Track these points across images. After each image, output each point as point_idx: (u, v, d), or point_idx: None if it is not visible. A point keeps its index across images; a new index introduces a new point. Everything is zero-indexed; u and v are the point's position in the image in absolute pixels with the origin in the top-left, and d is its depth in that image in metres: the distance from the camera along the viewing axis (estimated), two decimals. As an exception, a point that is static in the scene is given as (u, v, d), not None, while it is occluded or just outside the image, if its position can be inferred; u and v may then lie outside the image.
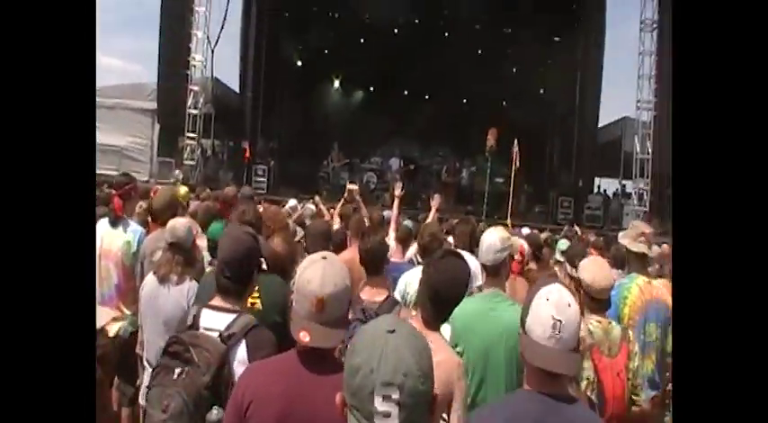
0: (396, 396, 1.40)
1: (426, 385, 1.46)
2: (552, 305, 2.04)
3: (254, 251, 3.01)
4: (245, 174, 18.26)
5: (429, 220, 5.16)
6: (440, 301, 2.88)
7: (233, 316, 2.77)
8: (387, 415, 1.40)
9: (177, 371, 2.60)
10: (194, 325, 2.79)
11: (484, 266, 3.73)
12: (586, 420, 2.20)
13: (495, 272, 3.65)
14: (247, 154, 18.70)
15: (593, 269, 3.59)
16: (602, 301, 3.55)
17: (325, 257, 2.34)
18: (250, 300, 3.25)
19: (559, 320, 2.01)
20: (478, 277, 4.11)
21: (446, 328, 3.93)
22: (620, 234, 4.61)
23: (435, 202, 5.02)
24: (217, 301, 2.86)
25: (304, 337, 2.13)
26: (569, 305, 2.05)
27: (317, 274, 2.24)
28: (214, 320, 2.77)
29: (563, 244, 7.12)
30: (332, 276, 2.24)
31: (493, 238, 3.71)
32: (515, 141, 14.04)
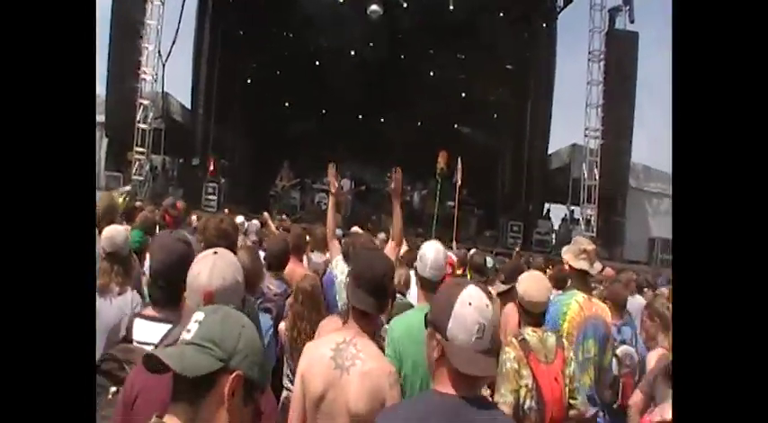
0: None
1: None
2: (475, 309, 2.02)
3: (187, 258, 2.90)
4: (195, 191, 18.00)
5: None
6: (375, 285, 2.81)
7: (168, 326, 2.58)
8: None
9: (112, 390, 2.48)
10: (128, 337, 2.65)
11: (423, 280, 3.68)
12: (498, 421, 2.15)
13: (434, 288, 3.53)
14: (211, 169, 18.48)
15: (529, 283, 3.63)
16: (537, 314, 3.59)
17: (216, 252, 2.32)
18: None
19: (483, 324, 2.01)
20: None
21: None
22: (564, 249, 4.63)
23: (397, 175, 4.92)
24: (150, 311, 2.74)
25: None
26: (488, 306, 2.05)
27: (207, 267, 2.23)
28: (148, 332, 2.62)
29: (489, 262, 7.18)
30: (221, 270, 2.23)
31: (436, 254, 3.69)
32: (458, 159, 14.25)
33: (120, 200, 7.27)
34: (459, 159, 14.11)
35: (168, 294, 2.72)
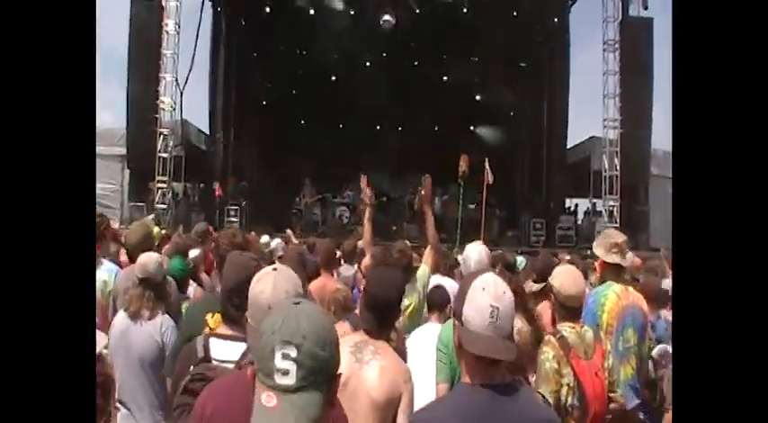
0: (294, 354, 1.48)
1: (327, 353, 1.53)
2: (489, 294, 2.07)
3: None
4: (218, 214, 18.18)
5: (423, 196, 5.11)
6: (377, 307, 2.95)
7: (244, 344, 2.62)
8: (285, 372, 1.48)
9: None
10: (206, 357, 2.70)
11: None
12: (531, 405, 2.21)
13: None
14: (218, 193, 18.63)
15: (564, 277, 3.63)
16: (574, 308, 3.58)
17: (275, 269, 2.36)
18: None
19: (497, 307, 2.05)
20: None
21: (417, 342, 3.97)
22: (594, 243, 4.61)
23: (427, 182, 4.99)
24: (224, 330, 2.80)
25: None
26: (504, 293, 2.10)
27: (269, 284, 2.27)
28: (226, 351, 2.68)
29: (520, 262, 7.19)
30: (283, 285, 2.27)
31: (479, 255, 3.73)
32: (486, 159, 14.18)
33: (156, 230, 7.38)
34: (486, 161, 14.05)
35: (242, 312, 2.79)
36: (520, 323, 3.03)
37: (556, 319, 3.64)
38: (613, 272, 4.39)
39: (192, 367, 2.65)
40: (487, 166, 14.07)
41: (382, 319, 2.97)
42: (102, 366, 2.08)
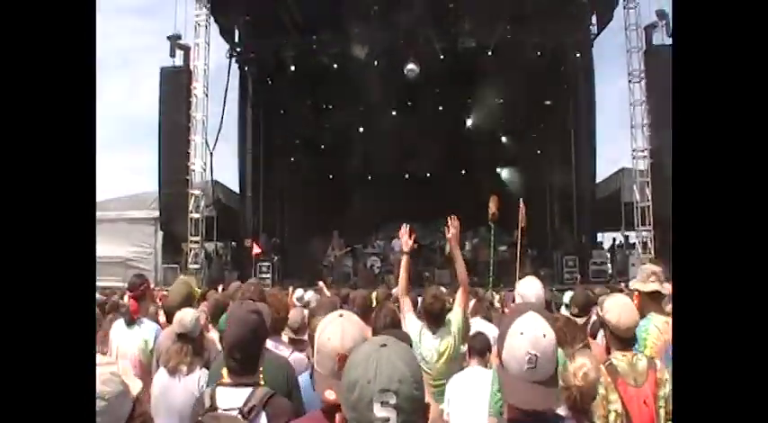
0: (393, 401, 1.49)
1: (420, 391, 1.54)
2: (527, 339, 2.00)
3: (260, 330, 3.02)
4: (251, 272, 18.32)
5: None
6: None
7: (249, 390, 2.79)
8: (386, 420, 1.49)
9: None
10: (213, 406, 2.78)
11: None
12: None
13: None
14: (256, 250, 18.81)
15: (617, 309, 3.61)
16: (628, 339, 3.58)
17: (341, 315, 2.38)
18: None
19: (535, 355, 1.98)
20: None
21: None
22: (632, 282, 4.57)
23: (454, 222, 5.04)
24: (229, 380, 2.88)
25: (330, 394, 2.11)
26: (544, 335, 2.02)
27: (337, 330, 2.26)
28: (231, 398, 2.77)
29: (567, 296, 7.13)
30: (351, 332, 2.27)
31: (538, 290, 3.73)
32: (520, 200, 14.11)
33: (197, 288, 7.52)
34: (521, 202, 14.00)
35: (243, 365, 2.88)
36: (587, 364, 2.97)
37: (610, 350, 3.63)
38: (653, 302, 4.31)
39: (199, 417, 2.74)
40: (522, 209, 13.96)
41: None
42: (141, 406, 2.13)
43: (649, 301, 4.33)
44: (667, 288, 4.38)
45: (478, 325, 6.01)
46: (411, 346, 3.08)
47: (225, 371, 2.96)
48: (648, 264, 4.96)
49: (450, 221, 4.94)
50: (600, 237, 21.73)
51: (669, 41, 17.50)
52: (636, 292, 4.41)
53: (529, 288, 3.78)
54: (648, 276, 4.35)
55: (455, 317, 4.95)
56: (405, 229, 5.33)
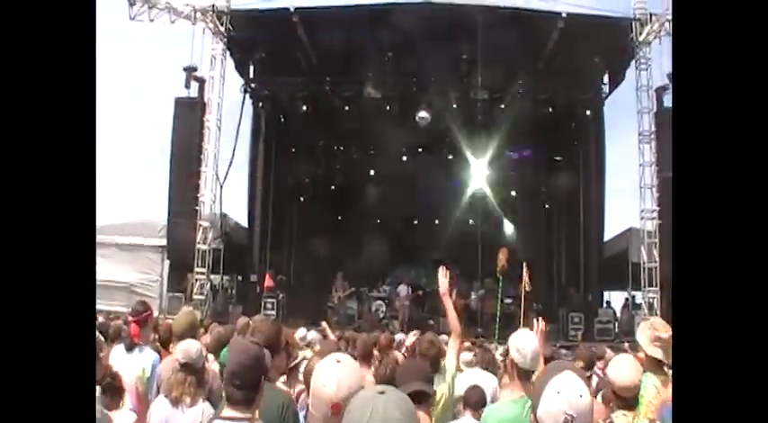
0: None
1: None
2: (564, 399, 1.97)
3: (260, 360, 3.02)
4: (254, 307, 18.25)
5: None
6: None
7: None
8: None
9: None
10: None
11: (522, 370, 3.69)
12: None
13: (529, 377, 3.59)
14: (268, 284, 18.78)
15: (620, 367, 3.65)
16: (629, 397, 3.60)
17: (339, 360, 2.35)
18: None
19: (571, 416, 1.94)
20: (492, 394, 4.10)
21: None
22: (638, 330, 4.49)
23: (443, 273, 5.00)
24: (228, 412, 2.87)
25: None
26: (581, 396, 1.99)
27: (333, 378, 2.24)
28: None
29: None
30: (347, 380, 2.23)
31: (534, 343, 3.73)
32: (524, 264, 14.08)
33: (200, 317, 7.55)
34: (525, 265, 13.97)
35: (244, 394, 2.87)
36: None
37: (612, 408, 3.66)
38: (654, 364, 4.26)
39: None
40: (525, 272, 13.92)
41: None
42: None
43: (651, 362, 4.30)
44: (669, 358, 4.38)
45: (479, 376, 5.98)
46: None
47: (224, 403, 2.96)
48: (657, 319, 4.89)
49: (441, 270, 4.91)
50: (606, 295, 21.64)
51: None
52: (640, 350, 4.40)
53: (525, 341, 3.75)
54: (654, 340, 4.33)
55: (449, 364, 4.92)
56: (443, 270, 5.30)
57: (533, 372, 3.61)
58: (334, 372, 2.26)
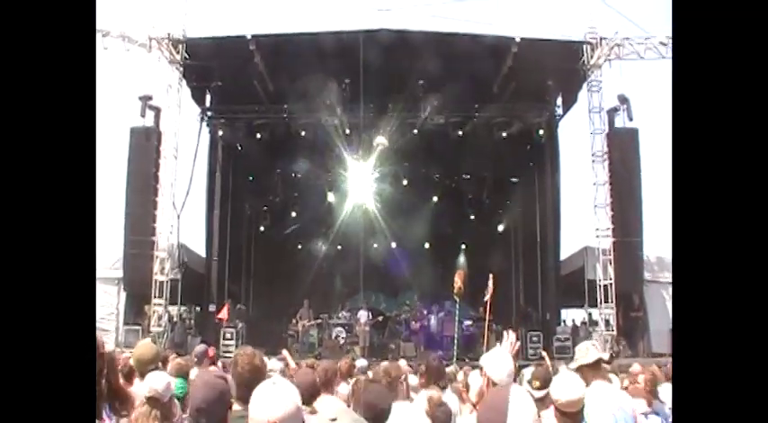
0: None
1: None
2: (506, 406, 2.07)
3: (225, 394, 3.04)
4: (213, 337, 18.00)
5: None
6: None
7: None
8: None
9: None
10: None
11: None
12: None
13: None
14: (221, 317, 18.54)
15: (560, 383, 3.69)
16: (573, 413, 3.61)
17: (274, 382, 2.40)
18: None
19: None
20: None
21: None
22: (571, 364, 4.61)
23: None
24: None
25: None
26: (524, 404, 2.10)
27: (267, 398, 2.28)
28: None
29: (527, 372, 7.17)
30: (282, 400, 2.28)
31: (509, 361, 3.79)
32: (490, 276, 14.18)
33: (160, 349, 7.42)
34: (490, 276, 14.07)
35: None
36: None
37: None
38: (595, 372, 4.34)
39: None
40: (490, 284, 14.00)
41: None
42: None
43: (592, 373, 4.33)
44: (606, 355, 4.46)
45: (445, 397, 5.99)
46: None
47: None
48: (581, 344, 4.98)
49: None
50: (564, 313, 21.92)
51: (630, 124, 18.32)
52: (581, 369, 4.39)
53: (500, 358, 3.79)
54: (587, 350, 4.43)
55: None
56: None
57: None
58: (268, 392, 2.30)
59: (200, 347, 8.37)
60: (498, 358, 3.85)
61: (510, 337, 4.23)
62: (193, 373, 5.94)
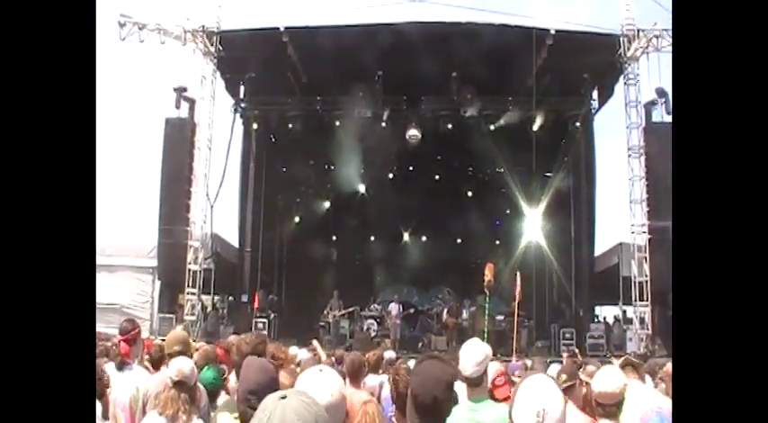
0: None
1: None
2: (534, 394, 2.07)
3: (276, 380, 3.05)
4: (246, 327, 18.15)
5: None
6: (422, 406, 2.60)
7: None
8: None
9: None
10: None
11: (466, 379, 3.67)
12: None
13: (478, 382, 3.59)
14: (255, 305, 18.74)
15: (600, 376, 3.74)
16: (610, 405, 3.65)
17: (321, 370, 2.41)
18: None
19: (543, 408, 2.03)
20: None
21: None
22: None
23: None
24: None
25: None
26: (552, 392, 2.09)
27: (316, 384, 2.28)
28: None
29: (553, 369, 7.11)
30: (329, 387, 2.29)
31: (474, 350, 3.75)
32: (517, 274, 14.06)
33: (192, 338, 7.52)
34: (518, 275, 13.93)
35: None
36: None
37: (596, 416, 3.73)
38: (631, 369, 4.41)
39: None
40: (518, 282, 13.88)
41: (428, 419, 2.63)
42: None
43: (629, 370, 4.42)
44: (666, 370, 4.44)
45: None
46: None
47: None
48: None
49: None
50: (598, 310, 21.65)
51: (668, 119, 17.74)
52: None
53: (470, 349, 3.75)
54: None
55: None
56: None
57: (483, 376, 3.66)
58: (316, 379, 2.31)
59: (232, 338, 8.40)
60: (468, 349, 3.80)
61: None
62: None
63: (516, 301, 13.89)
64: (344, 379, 5.92)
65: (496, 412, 2.78)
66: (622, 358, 4.57)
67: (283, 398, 1.59)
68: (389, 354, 10.51)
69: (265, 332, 17.77)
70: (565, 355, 12.97)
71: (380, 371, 7.92)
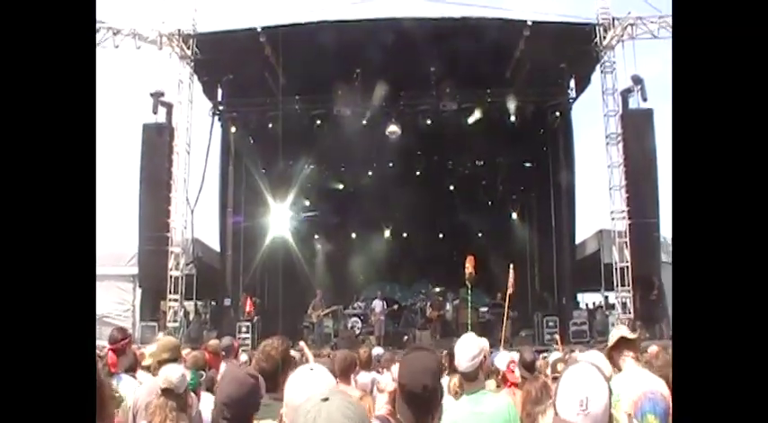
0: None
1: None
2: (577, 382, 2.05)
3: (254, 393, 2.98)
4: (229, 331, 18.02)
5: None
6: (412, 395, 2.55)
7: None
8: None
9: None
10: None
11: (462, 374, 3.71)
12: None
13: (474, 376, 3.61)
14: (248, 309, 18.60)
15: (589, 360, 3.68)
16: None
17: (312, 368, 2.41)
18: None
19: (586, 397, 2.02)
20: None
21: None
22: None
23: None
24: None
25: None
26: (596, 381, 2.07)
27: (306, 383, 2.29)
28: None
29: (554, 355, 7.16)
30: (320, 385, 2.27)
31: (469, 344, 3.74)
32: (510, 265, 14.07)
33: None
34: (511, 267, 13.95)
35: None
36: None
37: None
38: (628, 348, 4.21)
39: None
40: (511, 275, 13.88)
41: (419, 410, 2.57)
42: None
43: (618, 354, 4.20)
44: (634, 334, 4.37)
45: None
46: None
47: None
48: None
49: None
50: (580, 297, 21.78)
51: (644, 105, 17.98)
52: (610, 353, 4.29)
53: (465, 344, 3.75)
54: (612, 335, 4.36)
55: None
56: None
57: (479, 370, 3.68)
58: (306, 378, 2.30)
59: (226, 340, 8.32)
60: (462, 344, 3.81)
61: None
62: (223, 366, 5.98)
63: (508, 294, 13.89)
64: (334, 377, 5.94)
65: (497, 403, 2.77)
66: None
67: (325, 399, 1.58)
68: (377, 350, 10.56)
69: (248, 337, 17.73)
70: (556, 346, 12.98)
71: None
